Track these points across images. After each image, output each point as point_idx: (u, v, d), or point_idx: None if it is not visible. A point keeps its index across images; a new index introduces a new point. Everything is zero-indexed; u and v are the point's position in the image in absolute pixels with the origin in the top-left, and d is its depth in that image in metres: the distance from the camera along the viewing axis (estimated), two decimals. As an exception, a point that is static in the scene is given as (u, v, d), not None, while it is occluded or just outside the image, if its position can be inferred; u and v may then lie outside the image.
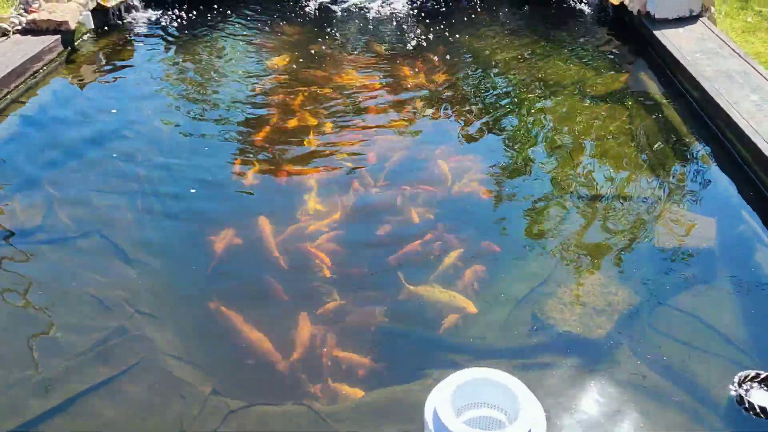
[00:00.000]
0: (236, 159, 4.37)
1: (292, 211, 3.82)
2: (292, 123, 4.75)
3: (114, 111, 4.96)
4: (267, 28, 6.60)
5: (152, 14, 6.81)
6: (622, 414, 2.65)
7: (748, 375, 2.60)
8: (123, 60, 5.90)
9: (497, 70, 5.67)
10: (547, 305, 3.22)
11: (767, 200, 3.81)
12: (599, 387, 2.78)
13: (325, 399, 2.73)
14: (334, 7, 7.11)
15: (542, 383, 2.80)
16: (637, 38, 6.06)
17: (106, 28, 6.46)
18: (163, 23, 6.63)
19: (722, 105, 4.41)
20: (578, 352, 2.97)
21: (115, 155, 4.37)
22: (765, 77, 4.73)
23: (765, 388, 2.59)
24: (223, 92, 5.25)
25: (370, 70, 5.64)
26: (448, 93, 5.26)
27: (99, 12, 6.36)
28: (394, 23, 6.75)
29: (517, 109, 5.07)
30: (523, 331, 3.11)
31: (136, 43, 6.24)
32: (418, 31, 6.49)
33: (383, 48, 6.09)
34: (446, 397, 1.50)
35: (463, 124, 4.86)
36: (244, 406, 2.68)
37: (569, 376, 2.85)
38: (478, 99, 5.22)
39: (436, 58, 5.82)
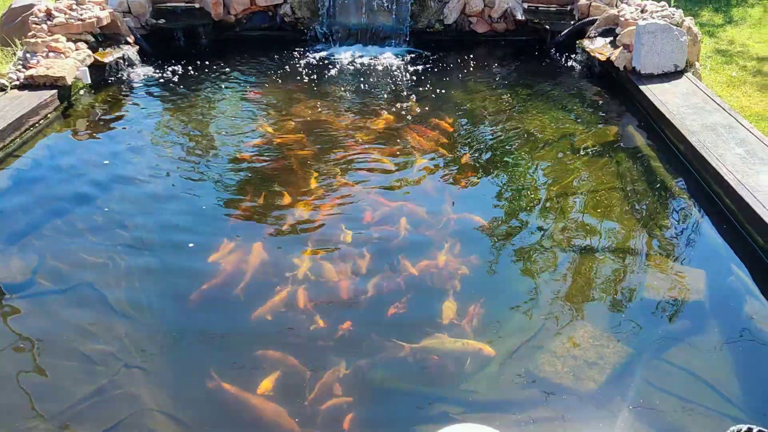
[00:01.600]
0: (227, 220, 4.38)
1: (282, 273, 3.81)
2: (284, 184, 4.76)
3: (106, 162, 5.00)
4: (261, 85, 6.72)
5: (149, 70, 6.94)
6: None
7: (740, 429, 2.58)
8: (118, 114, 5.97)
9: (488, 124, 5.77)
10: (539, 358, 3.20)
11: (755, 252, 3.84)
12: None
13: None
14: (322, 60, 7.29)
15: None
16: (624, 93, 6.21)
17: (109, 81, 6.58)
18: (160, 79, 6.75)
19: (708, 158, 4.49)
20: (571, 406, 2.94)
21: (106, 209, 4.39)
22: (750, 131, 4.83)
23: (757, 442, 2.56)
24: (215, 150, 5.29)
25: (361, 130, 5.69)
26: (440, 149, 5.32)
27: (96, 67, 6.48)
28: (386, 80, 6.88)
29: (507, 163, 5.14)
30: (516, 384, 3.09)
31: (131, 99, 6.34)
32: (410, 87, 6.62)
33: (374, 106, 6.19)
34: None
35: (454, 180, 4.91)
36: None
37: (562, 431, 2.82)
38: (469, 154, 5.28)
39: (428, 116, 5.92)
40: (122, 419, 2.80)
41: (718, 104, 5.32)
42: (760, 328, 3.36)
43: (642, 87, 5.83)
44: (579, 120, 5.80)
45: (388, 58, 7.44)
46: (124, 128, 5.70)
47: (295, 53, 7.55)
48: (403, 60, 7.38)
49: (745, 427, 2.55)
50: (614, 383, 3.04)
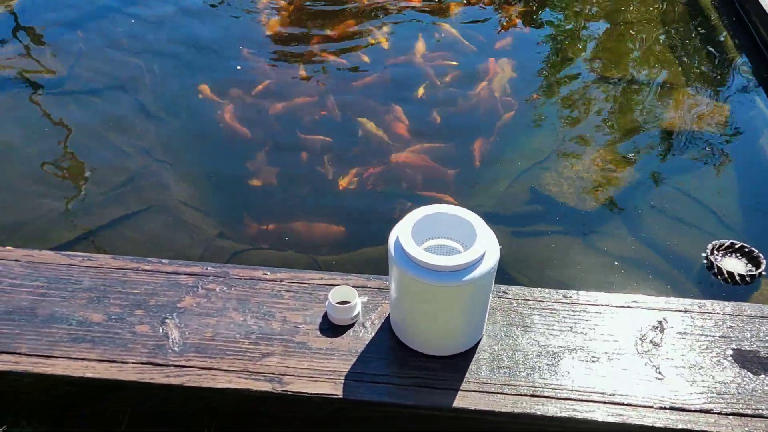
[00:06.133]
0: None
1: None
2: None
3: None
4: None
5: None
6: (604, 276, 2.78)
7: (722, 244, 2.69)
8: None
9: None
10: (546, 179, 3.30)
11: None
12: (585, 253, 2.88)
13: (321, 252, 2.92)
14: None
15: (532, 247, 2.94)
16: None
17: None
18: None
19: (752, -11, 4.26)
20: (570, 223, 3.07)
21: (133, 21, 4.45)
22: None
23: (735, 256, 2.68)
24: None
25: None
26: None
27: None
28: None
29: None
30: (521, 201, 3.21)
31: None
32: None
33: None
34: (408, 227, 1.65)
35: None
36: (247, 248, 2.88)
37: (558, 243, 2.97)
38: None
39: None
40: (152, 205, 3.06)
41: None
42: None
43: None
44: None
45: None
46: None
47: None
48: None
49: (727, 242, 2.66)
50: (616, 204, 3.14)
